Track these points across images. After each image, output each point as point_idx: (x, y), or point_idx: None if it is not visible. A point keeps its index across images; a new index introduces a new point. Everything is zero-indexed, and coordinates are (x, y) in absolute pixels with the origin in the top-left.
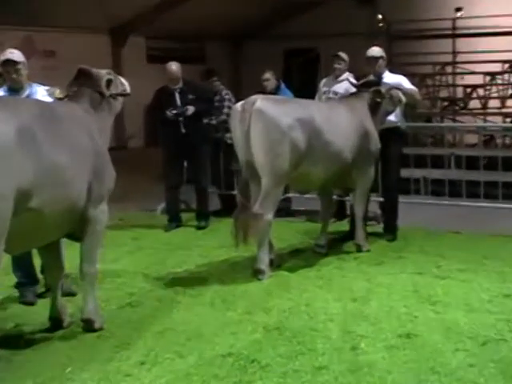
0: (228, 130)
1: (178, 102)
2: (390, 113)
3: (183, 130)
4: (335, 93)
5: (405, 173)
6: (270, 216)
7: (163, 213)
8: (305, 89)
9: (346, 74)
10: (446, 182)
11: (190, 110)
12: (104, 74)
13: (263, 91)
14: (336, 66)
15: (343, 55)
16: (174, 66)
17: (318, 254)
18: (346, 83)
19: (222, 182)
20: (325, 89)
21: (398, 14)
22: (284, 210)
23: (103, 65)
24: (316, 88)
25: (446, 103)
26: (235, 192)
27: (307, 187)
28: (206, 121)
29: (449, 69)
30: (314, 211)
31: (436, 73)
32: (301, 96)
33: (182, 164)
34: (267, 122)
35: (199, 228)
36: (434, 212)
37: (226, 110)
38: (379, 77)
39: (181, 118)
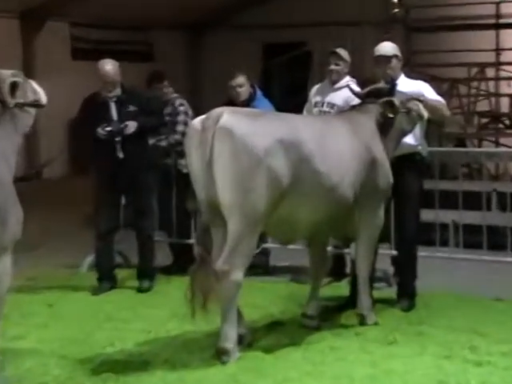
0: (183, 155)
1: (115, 115)
2: (406, 133)
3: (121, 155)
4: (331, 104)
5: (427, 216)
6: (239, 275)
7: (91, 269)
8: (291, 99)
9: (347, 79)
10: (483, 230)
11: (131, 126)
12: (7, 74)
13: (233, 102)
14: (332, 67)
15: (343, 53)
16: (109, 66)
17: (305, 328)
18: (345, 91)
19: (174, 226)
20: (317, 99)
21: None
22: (260, 267)
23: (10, 62)
24: (306, 98)
25: (485, 120)
26: (192, 241)
27: (292, 236)
28: (152, 142)
29: (490, 72)
30: (301, 268)
31: (472, 78)
32: (285, 109)
33: (119, 201)
34: (236, 144)
35: (141, 290)
36: (467, 271)
37: (180, 128)
38: (392, 83)
39: (118, 138)
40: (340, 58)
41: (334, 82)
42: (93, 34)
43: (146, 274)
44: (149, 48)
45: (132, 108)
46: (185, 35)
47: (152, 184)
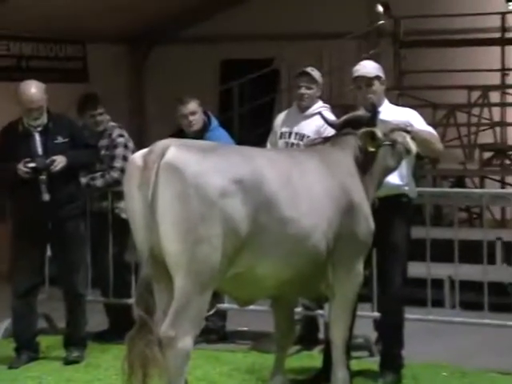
0: (121, 197)
1: (39, 149)
2: (391, 171)
3: (46, 197)
4: (301, 135)
5: (417, 270)
6: (187, 342)
7: (8, 336)
8: (255, 127)
9: (319, 105)
10: (484, 287)
11: (59, 162)
12: None
13: (183, 132)
14: (303, 91)
15: (315, 73)
16: (33, 88)
17: None
18: (318, 120)
19: (111, 283)
20: (284, 129)
21: (410, 5)
22: (214, 332)
23: None
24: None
25: (489, 154)
26: (131, 301)
27: (252, 295)
28: (85, 181)
29: (495, 96)
30: (263, 334)
31: (473, 103)
32: (247, 140)
33: (44, 253)
34: (185, 185)
35: (69, 362)
36: (467, 337)
37: (118, 164)
38: (374, 111)
39: (43, 177)
40: (313, 80)
41: (304, 109)
42: (14, 48)
43: (76, 341)
44: (83, 65)
45: (61, 139)
46: (126, 50)
47: (83, 232)
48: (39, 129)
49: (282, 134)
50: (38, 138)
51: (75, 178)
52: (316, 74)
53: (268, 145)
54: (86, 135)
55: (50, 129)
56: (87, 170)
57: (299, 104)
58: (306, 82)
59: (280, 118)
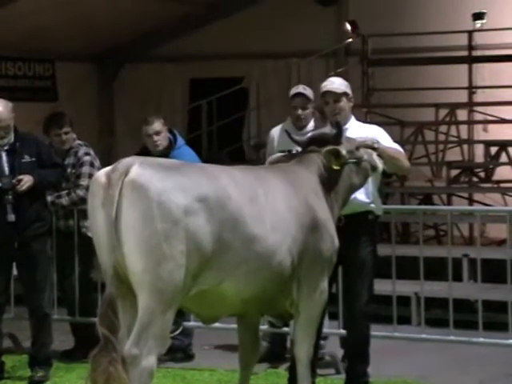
0: (87, 216)
1: (6, 168)
2: (357, 188)
3: (11, 218)
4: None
5: (383, 287)
6: (151, 360)
7: None
8: (224, 145)
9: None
10: (450, 304)
11: (26, 182)
12: None
13: (148, 151)
14: (299, 112)
15: (308, 92)
16: (1, 105)
17: None
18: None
19: (77, 302)
20: (283, 147)
21: (377, 23)
22: (180, 351)
23: None
24: (242, 144)
25: (456, 172)
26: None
27: (216, 313)
28: (50, 199)
29: (462, 114)
30: (230, 351)
31: (441, 121)
32: (217, 158)
33: (10, 273)
34: (148, 203)
35: (34, 381)
36: (433, 354)
37: (84, 182)
38: (339, 127)
39: (9, 196)
40: (307, 99)
41: (302, 127)
42: None
43: (41, 361)
44: (52, 84)
45: (28, 159)
46: (95, 69)
47: (49, 251)
48: (6, 148)
49: (280, 152)
50: (4, 157)
51: (42, 197)
52: (309, 92)
53: (267, 163)
54: (53, 154)
55: (17, 148)
56: (54, 188)
57: (296, 124)
58: (300, 103)
59: (274, 135)
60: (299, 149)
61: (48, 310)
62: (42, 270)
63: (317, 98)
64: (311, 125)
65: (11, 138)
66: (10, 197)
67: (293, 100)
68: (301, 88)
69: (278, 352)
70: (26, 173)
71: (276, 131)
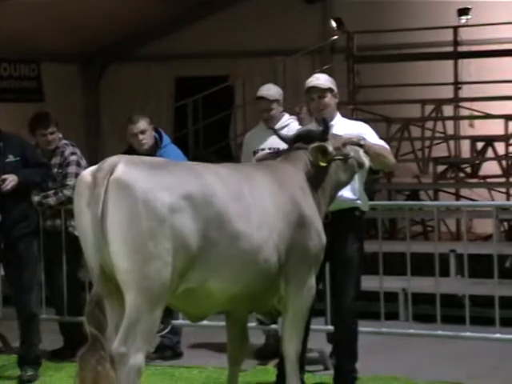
0: (73, 215)
1: None
2: (343, 185)
3: None
4: (275, 150)
5: (370, 283)
6: (139, 358)
7: None
8: (211, 143)
9: (286, 119)
10: (437, 299)
11: (11, 181)
12: None
13: (134, 151)
14: (265, 115)
15: (272, 93)
16: None
17: None
18: (288, 131)
19: (65, 301)
20: (257, 147)
21: (363, 20)
22: (169, 349)
23: None
24: (228, 142)
25: (443, 167)
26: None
27: (203, 311)
28: (37, 199)
29: (448, 110)
30: (220, 349)
31: (427, 117)
32: (203, 156)
33: None
34: (134, 201)
35: (24, 381)
36: (420, 349)
37: (71, 182)
38: (325, 124)
39: None
40: (270, 101)
41: (272, 126)
42: None
43: (30, 360)
44: (38, 85)
45: (12, 158)
46: (81, 69)
47: (36, 251)
48: None
49: (255, 152)
50: None
51: (27, 197)
52: (272, 93)
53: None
54: (38, 154)
55: (1, 147)
56: (40, 188)
57: (267, 125)
58: (265, 106)
59: (249, 137)
60: (274, 146)
61: (36, 310)
62: (29, 271)
63: (302, 95)
64: (283, 121)
65: None
66: None
67: (257, 103)
68: (264, 90)
69: (266, 349)
70: (9, 172)
71: (249, 134)
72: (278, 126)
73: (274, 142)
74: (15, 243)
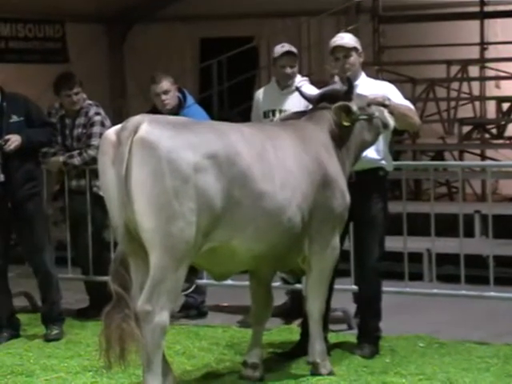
0: (98, 176)
1: None
2: (368, 145)
3: (1, 178)
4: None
5: (394, 244)
6: (164, 316)
7: None
8: (235, 106)
9: (298, 80)
10: (461, 260)
11: (14, 141)
12: None
13: (157, 110)
14: (289, 70)
15: (294, 49)
16: None
17: (247, 380)
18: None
19: (90, 261)
20: (267, 108)
21: None
22: (194, 308)
23: None
24: (252, 104)
25: (468, 128)
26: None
27: (228, 269)
28: (62, 159)
29: (474, 70)
30: (243, 308)
31: (452, 78)
32: (227, 117)
33: (8, 233)
34: (158, 160)
35: (49, 339)
36: (444, 309)
37: (95, 142)
38: (349, 84)
39: None
40: (295, 57)
41: (285, 87)
42: None
43: (54, 318)
44: (62, 45)
45: (16, 118)
46: (105, 30)
47: (45, 211)
48: None
49: (265, 113)
50: None
51: (33, 157)
52: (294, 50)
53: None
54: (43, 114)
55: (4, 108)
56: (47, 147)
57: (282, 82)
58: (289, 61)
59: (259, 96)
60: (286, 108)
61: (51, 268)
62: (39, 230)
63: (327, 56)
64: (295, 82)
65: None
66: None
67: (281, 59)
68: (287, 46)
69: (290, 308)
70: (13, 133)
71: (260, 93)
72: (291, 87)
73: (286, 104)
74: (22, 203)
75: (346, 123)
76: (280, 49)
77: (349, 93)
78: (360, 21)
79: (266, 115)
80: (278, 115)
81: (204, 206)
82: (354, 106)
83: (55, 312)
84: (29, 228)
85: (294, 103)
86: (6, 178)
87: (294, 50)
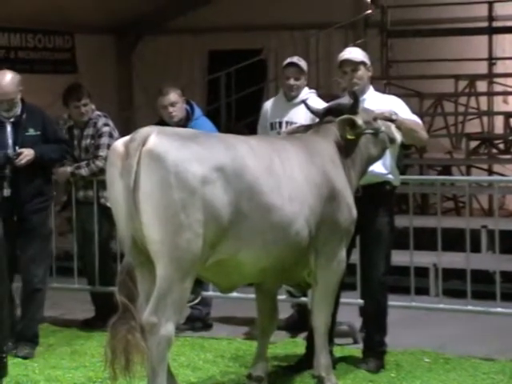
0: (105, 186)
1: (10, 141)
2: (375, 160)
3: (7, 192)
4: (292, 125)
5: (401, 258)
6: (169, 328)
7: None
8: (242, 118)
9: (305, 93)
10: (467, 275)
11: (26, 155)
12: None
13: (165, 122)
14: (291, 82)
15: (302, 64)
16: (6, 78)
17: None
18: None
19: (96, 271)
20: (274, 120)
21: None
22: (200, 320)
23: None
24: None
25: (476, 143)
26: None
27: (234, 281)
28: (70, 170)
29: (482, 85)
30: (249, 319)
31: (460, 93)
32: (235, 129)
33: (12, 247)
34: (166, 172)
35: (18, 356)
36: (450, 324)
37: (103, 153)
38: (355, 97)
39: (6, 170)
40: (301, 70)
41: (292, 98)
42: (3, 39)
43: (26, 337)
44: (71, 56)
45: (32, 132)
46: (114, 41)
47: (50, 226)
48: (12, 120)
49: (272, 124)
50: (9, 129)
51: (44, 173)
52: (303, 63)
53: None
54: (59, 130)
55: (23, 120)
56: (59, 163)
57: (287, 94)
58: (294, 73)
59: (267, 107)
60: (292, 120)
61: (41, 285)
62: (39, 243)
63: (335, 70)
64: (302, 95)
65: (18, 110)
66: (7, 170)
67: (286, 70)
68: (295, 58)
69: (296, 321)
70: (28, 146)
71: (269, 103)
72: (298, 99)
73: (292, 116)
74: (29, 217)
75: (350, 136)
76: (288, 60)
77: (354, 107)
78: (368, 35)
79: (272, 126)
80: (284, 126)
81: (211, 218)
82: (359, 120)
83: (31, 331)
84: (29, 243)
85: (301, 115)
86: (14, 192)
87: (301, 63)
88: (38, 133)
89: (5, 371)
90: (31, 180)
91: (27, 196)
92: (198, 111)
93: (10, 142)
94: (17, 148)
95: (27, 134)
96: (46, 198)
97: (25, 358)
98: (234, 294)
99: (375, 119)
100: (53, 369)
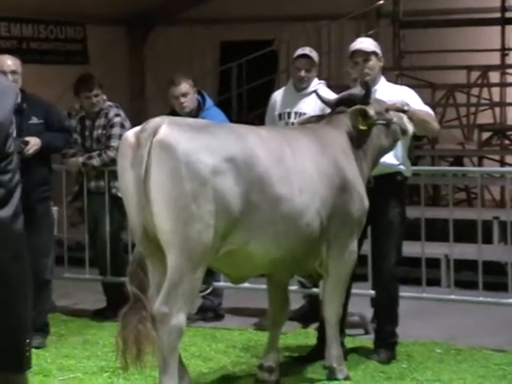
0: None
1: (14, 130)
2: (387, 151)
3: None
4: (301, 115)
5: (412, 249)
6: (180, 318)
7: None
8: (254, 109)
9: (315, 83)
10: (479, 266)
11: (34, 145)
12: None
13: (177, 114)
14: (302, 74)
15: (313, 55)
16: (8, 55)
17: (263, 383)
18: (316, 98)
19: (108, 262)
20: (283, 110)
21: None
22: (211, 311)
23: None
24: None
25: (488, 134)
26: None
27: (245, 272)
28: (81, 160)
29: (495, 76)
30: (260, 310)
31: (473, 83)
32: (246, 120)
33: None
34: (177, 162)
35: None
36: (462, 315)
37: (115, 143)
38: (367, 87)
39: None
40: (312, 62)
41: (302, 89)
42: (15, 29)
43: (39, 327)
44: (83, 47)
45: (35, 120)
46: (126, 32)
47: (53, 216)
48: (14, 107)
49: (280, 114)
50: (12, 117)
51: (48, 161)
52: (314, 55)
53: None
54: (62, 118)
55: (25, 109)
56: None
57: (297, 85)
58: (305, 65)
59: (276, 98)
60: (301, 111)
61: (48, 276)
62: (45, 235)
63: (346, 60)
64: (312, 85)
65: (18, 97)
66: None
67: (297, 61)
68: (307, 50)
69: (308, 312)
70: (32, 135)
71: (278, 94)
72: (307, 89)
73: (301, 107)
74: (35, 206)
75: (362, 127)
76: (299, 51)
77: (366, 97)
78: (380, 25)
79: (281, 117)
80: (293, 117)
81: (222, 209)
82: (371, 111)
83: (41, 321)
84: (35, 233)
85: (310, 106)
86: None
87: (312, 54)
88: (42, 121)
89: (29, 364)
90: (38, 168)
91: (33, 185)
92: (209, 102)
93: (14, 131)
94: (24, 137)
95: (30, 122)
96: (49, 186)
97: (37, 347)
98: (246, 285)
99: (387, 110)
100: (65, 358)
